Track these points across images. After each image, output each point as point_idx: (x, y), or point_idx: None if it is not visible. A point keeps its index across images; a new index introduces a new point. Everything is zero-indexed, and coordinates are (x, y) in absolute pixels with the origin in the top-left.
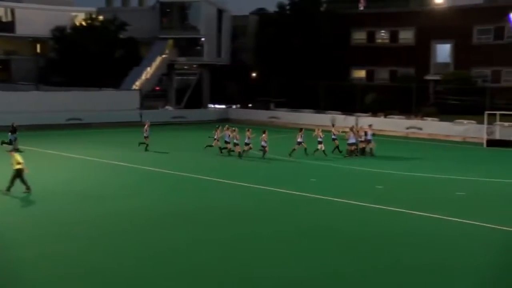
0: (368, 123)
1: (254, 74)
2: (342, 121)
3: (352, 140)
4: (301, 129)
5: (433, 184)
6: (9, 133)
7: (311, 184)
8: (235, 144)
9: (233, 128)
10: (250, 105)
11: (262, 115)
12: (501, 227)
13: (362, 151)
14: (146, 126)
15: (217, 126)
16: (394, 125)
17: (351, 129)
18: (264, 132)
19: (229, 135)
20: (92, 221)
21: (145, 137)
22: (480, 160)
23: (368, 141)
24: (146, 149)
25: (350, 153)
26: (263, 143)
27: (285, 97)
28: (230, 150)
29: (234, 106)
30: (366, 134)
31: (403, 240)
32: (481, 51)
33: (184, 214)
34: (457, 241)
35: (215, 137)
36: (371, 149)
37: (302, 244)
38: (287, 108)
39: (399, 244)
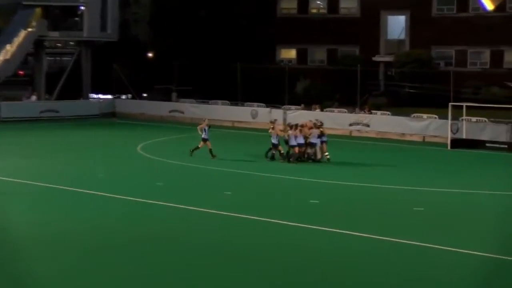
0: (313, 119)
1: (150, 54)
2: (267, 116)
3: (300, 141)
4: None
5: (385, 196)
6: None
7: (225, 198)
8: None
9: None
10: (145, 94)
11: (160, 108)
12: (464, 251)
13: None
14: (203, 125)
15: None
16: (333, 120)
17: (299, 126)
18: (314, 127)
19: (277, 135)
20: None
21: (204, 140)
22: (444, 166)
23: (310, 144)
24: (212, 155)
25: (298, 156)
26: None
27: (191, 84)
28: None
29: (123, 97)
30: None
31: (341, 266)
32: (443, 26)
33: (47, 239)
34: (414, 269)
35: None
36: (313, 153)
37: (211, 271)
38: (193, 99)
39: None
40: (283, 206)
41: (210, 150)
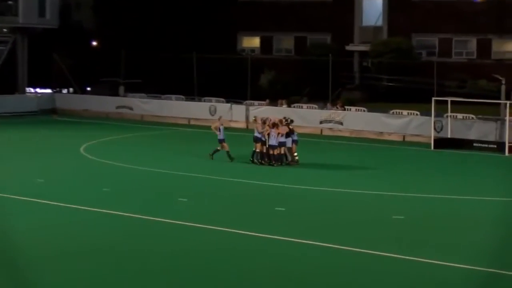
0: (279, 116)
1: (95, 43)
2: (227, 113)
3: (272, 141)
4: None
5: (361, 203)
6: None
7: (181, 205)
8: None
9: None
10: (89, 88)
11: (106, 103)
12: (448, 264)
13: (262, 157)
14: (217, 124)
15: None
16: (302, 117)
17: (275, 124)
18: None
19: (260, 131)
20: None
21: (220, 141)
22: (426, 168)
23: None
24: (230, 158)
25: (277, 158)
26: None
27: (141, 77)
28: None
29: (65, 91)
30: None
31: None
32: (425, 11)
33: None
34: (394, 283)
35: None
36: (284, 155)
37: None
38: (144, 94)
39: None
40: (246, 214)
41: (228, 153)
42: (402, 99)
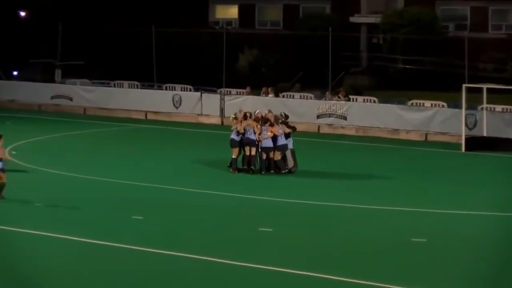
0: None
1: (23, 14)
2: (196, 105)
3: (267, 143)
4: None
5: (370, 222)
6: None
7: (135, 225)
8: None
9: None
10: (15, 73)
11: (38, 92)
12: None
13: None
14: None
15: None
16: (293, 110)
17: (275, 121)
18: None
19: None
20: None
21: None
22: (455, 177)
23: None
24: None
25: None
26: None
27: (84, 58)
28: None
29: None
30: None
31: None
32: None
33: None
34: None
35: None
36: (275, 162)
37: None
38: (87, 80)
39: None
40: (222, 236)
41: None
42: (423, 87)
